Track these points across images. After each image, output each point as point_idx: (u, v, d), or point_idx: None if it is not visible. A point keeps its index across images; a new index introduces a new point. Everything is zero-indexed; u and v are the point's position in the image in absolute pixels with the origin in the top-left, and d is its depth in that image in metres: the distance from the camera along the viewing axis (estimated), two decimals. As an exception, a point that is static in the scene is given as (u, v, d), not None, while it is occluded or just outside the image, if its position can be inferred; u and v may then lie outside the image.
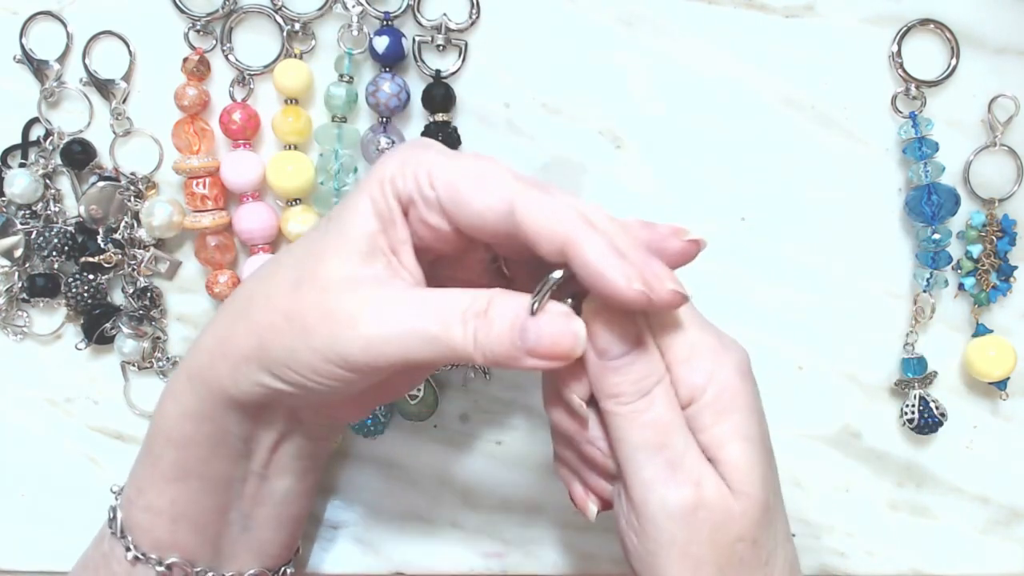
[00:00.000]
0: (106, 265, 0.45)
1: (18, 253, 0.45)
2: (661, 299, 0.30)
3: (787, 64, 0.44)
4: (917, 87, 0.44)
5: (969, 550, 0.46)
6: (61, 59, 0.45)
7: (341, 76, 0.44)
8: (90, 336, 0.45)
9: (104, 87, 0.45)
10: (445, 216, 0.32)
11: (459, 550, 0.47)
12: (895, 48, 0.44)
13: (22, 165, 0.45)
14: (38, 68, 0.45)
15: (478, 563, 0.47)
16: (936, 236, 0.44)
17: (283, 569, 0.41)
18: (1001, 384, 0.45)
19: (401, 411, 0.45)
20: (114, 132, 0.45)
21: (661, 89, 0.45)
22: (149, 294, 0.45)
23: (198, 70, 0.44)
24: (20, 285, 0.46)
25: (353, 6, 0.44)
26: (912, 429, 0.45)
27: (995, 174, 0.45)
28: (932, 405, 0.45)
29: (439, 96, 0.44)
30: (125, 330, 0.45)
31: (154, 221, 0.44)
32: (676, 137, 0.45)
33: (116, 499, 0.38)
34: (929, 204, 0.43)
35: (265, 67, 0.45)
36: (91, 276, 0.45)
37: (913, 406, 0.45)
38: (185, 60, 0.44)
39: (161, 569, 0.36)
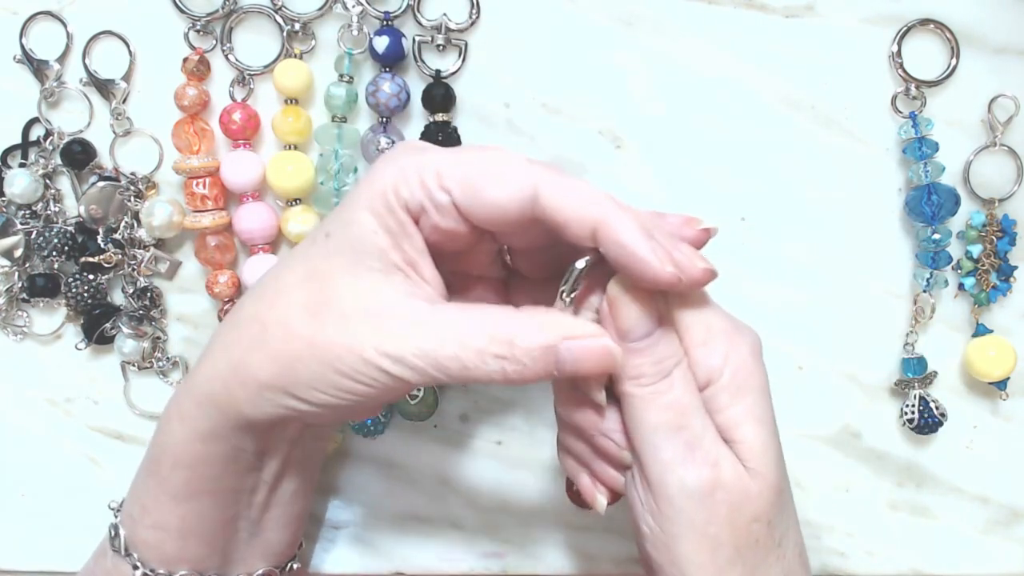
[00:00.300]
0: (106, 265, 0.45)
1: (18, 253, 0.45)
2: (692, 278, 0.31)
3: (787, 64, 0.44)
4: (917, 87, 0.44)
5: (969, 550, 0.46)
6: (61, 59, 0.45)
7: (341, 76, 0.44)
8: (90, 336, 0.45)
9: (104, 87, 0.45)
10: (461, 215, 0.32)
11: (459, 550, 0.47)
12: (895, 48, 0.44)
13: (22, 165, 0.45)
14: (38, 68, 0.45)
15: (478, 563, 0.47)
16: (936, 236, 0.44)
17: (289, 565, 0.41)
18: (1001, 384, 0.45)
19: (401, 411, 0.45)
20: (114, 132, 0.45)
21: (661, 89, 0.45)
22: (149, 294, 0.45)
23: (198, 70, 0.44)
24: (20, 285, 0.46)
25: (353, 6, 0.44)
26: (912, 429, 0.45)
27: (995, 174, 0.45)
28: (932, 405, 0.45)
29: (439, 96, 0.44)
30: (125, 330, 0.45)
31: (154, 221, 0.44)
32: (676, 137, 0.45)
33: (116, 516, 0.37)
34: (929, 204, 0.43)
35: (265, 67, 0.45)
36: (91, 276, 0.45)
37: (913, 406, 0.45)
38: (185, 60, 0.44)
39: None
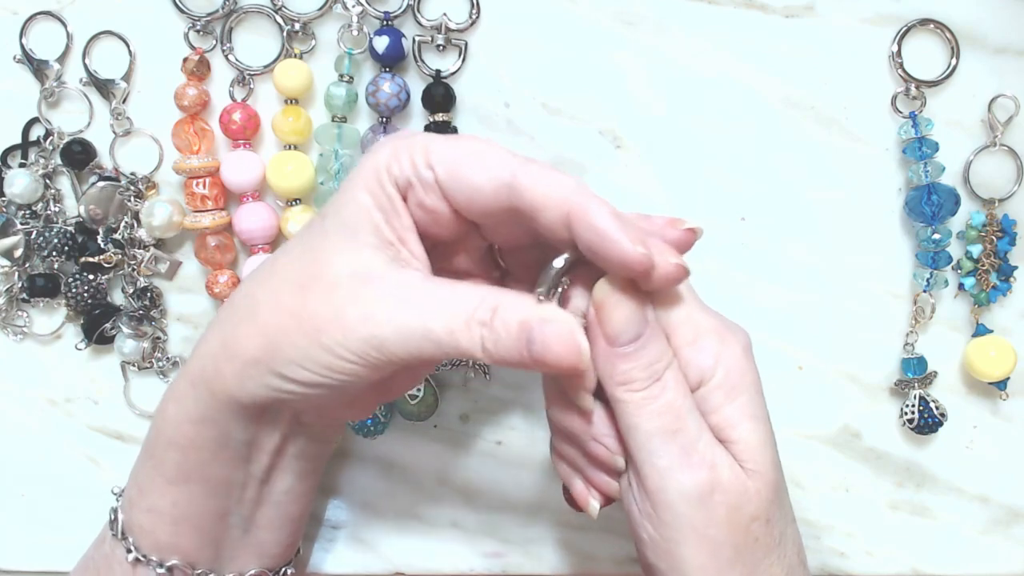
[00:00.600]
0: (106, 265, 0.45)
1: (18, 253, 0.45)
2: (663, 270, 0.31)
3: (787, 64, 0.44)
4: (917, 87, 0.44)
5: (969, 550, 0.46)
6: (61, 59, 0.45)
7: (341, 76, 0.44)
8: (90, 336, 0.45)
9: (104, 87, 0.45)
10: (443, 195, 0.32)
11: (459, 550, 0.47)
12: (895, 48, 0.44)
13: (22, 165, 0.45)
14: (38, 68, 0.45)
15: (478, 563, 0.47)
16: (936, 236, 0.44)
17: (283, 569, 0.41)
18: (1001, 384, 0.45)
19: (401, 411, 0.45)
20: (114, 132, 0.45)
21: (661, 89, 0.45)
22: (149, 294, 0.45)
23: (198, 70, 0.44)
24: (20, 285, 0.46)
25: (353, 6, 0.44)
26: (912, 429, 0.45)
27: (995, 174, 0.45)
28: (932, 405, 0.45)
29: (439, 96, 0.44)
30: (125, 330, 0.45)
31: (154, 221, 0.44)
32: (676, 137, 0.45)
33: (117, 500, 0.38)
34: (929, 204, 0.43)
35: (265, 67, 0.45)
36: (91, 276, 0.45)
37: (913, 406, 0.45)
38: (185, 60, 0.44)
39: (162, 571, 0.36)
